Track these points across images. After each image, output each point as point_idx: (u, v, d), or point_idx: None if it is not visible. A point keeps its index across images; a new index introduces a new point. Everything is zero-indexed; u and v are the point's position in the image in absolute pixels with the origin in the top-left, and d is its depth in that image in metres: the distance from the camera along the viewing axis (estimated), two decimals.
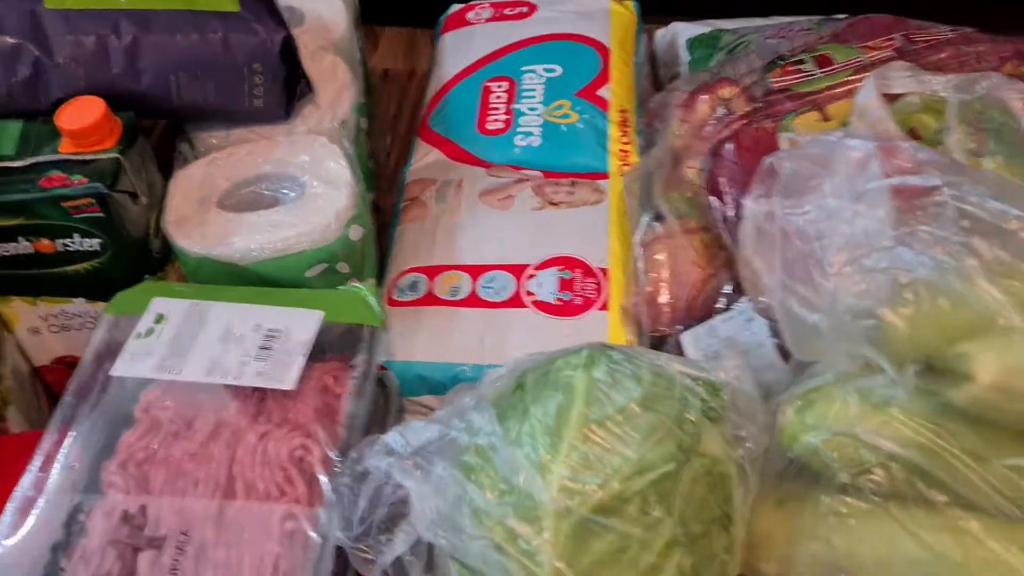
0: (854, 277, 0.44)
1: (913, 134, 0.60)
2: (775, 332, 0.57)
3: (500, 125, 0.89)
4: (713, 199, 0.63)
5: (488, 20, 1.03)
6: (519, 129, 0.88)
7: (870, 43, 0.71)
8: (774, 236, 0.47)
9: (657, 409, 0.48)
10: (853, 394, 0.48)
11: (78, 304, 0.71)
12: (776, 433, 0.51)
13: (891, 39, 0.71)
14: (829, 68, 0.69)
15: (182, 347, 0.62)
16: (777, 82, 0.70)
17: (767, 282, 0.47)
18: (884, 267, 0.44)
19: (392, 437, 0.49)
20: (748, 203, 0.49)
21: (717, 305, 0.64)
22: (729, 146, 0.63)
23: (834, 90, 0.67)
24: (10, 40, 0.66)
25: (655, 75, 1.11)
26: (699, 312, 0.65)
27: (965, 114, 0.57)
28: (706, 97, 0.73)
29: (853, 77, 0.67)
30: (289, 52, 0.73)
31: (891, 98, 0.60)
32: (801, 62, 0.71)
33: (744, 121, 0.66)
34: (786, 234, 0.46)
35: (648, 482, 0.45)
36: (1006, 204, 0.45)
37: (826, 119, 0.64)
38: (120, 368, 0.61)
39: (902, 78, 0.57)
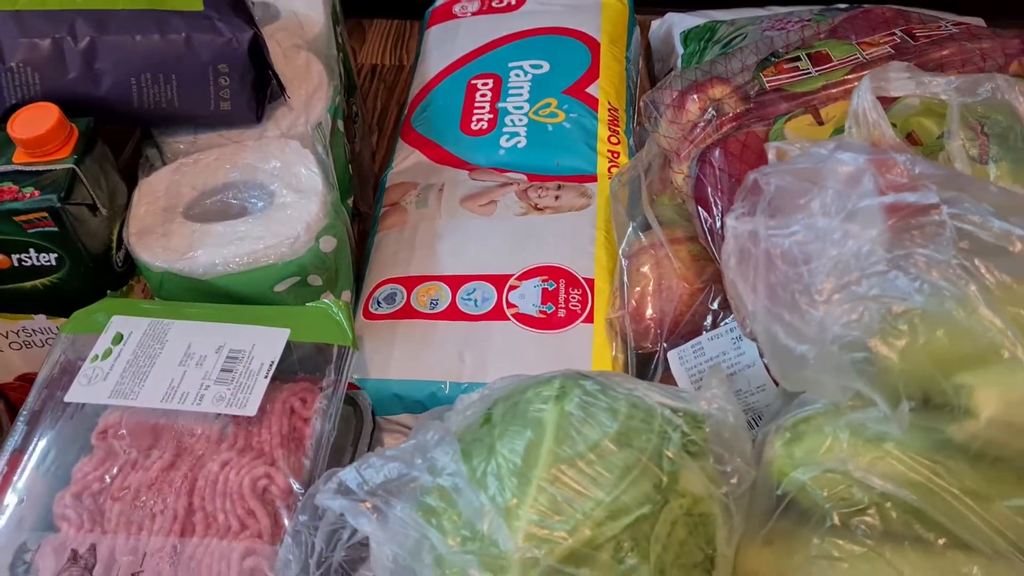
0: (843, 305, 0.41)
1: (912, 139, 0.57)
2: None
3: (484, 125, 0.85)
4: (700, 209, 0.59)
5: (475, 13, 0.99)
6: (504, 129, 0.85)
7: (868, 39, 0.67)
8: (758, 258, 0.43)
9: (633, 445, 0.44)
10: (844, 428, 0.44)
11: (39, 320, 0.68)
12: (763, 467, 0.47)
13: (891, 34, 0.67)
14: (825, 66, 0.65)
15: (140, 370, 0.59)
16: (771, 81, 0.66)
17: (750, 308, 0.44)
18: (876, 294, 0.40)
19: (348, 474, 0.46)
20: (730, 222, 0.45)
21: (705, 322, 0.61)
22: (717, 152, 0.59)
23: (830, 90, 0.63)
24: None
25: (650, 69, 1.07)
26: (686, 328, 0.62)
27: (967, 118, 0.53)
28: (696, 97, 0.68)
29: (850, 76, 0.63)
30: (257, 52, 0.70)
31: (888, 100, 0.56)
32: (796, 59, 0.67)
33: (734, 124, 0.62)
34: (771, 257, 0.43)
35: (622, 527, 0.42)
36: (1011, 223, 0.41)
37: (820, 122, 0.59)
38: (75, 394, 0.58)
39: (900, 80, 0.52)
